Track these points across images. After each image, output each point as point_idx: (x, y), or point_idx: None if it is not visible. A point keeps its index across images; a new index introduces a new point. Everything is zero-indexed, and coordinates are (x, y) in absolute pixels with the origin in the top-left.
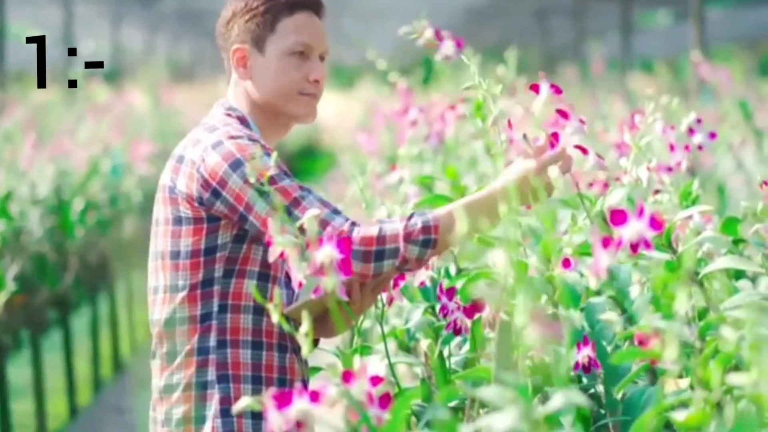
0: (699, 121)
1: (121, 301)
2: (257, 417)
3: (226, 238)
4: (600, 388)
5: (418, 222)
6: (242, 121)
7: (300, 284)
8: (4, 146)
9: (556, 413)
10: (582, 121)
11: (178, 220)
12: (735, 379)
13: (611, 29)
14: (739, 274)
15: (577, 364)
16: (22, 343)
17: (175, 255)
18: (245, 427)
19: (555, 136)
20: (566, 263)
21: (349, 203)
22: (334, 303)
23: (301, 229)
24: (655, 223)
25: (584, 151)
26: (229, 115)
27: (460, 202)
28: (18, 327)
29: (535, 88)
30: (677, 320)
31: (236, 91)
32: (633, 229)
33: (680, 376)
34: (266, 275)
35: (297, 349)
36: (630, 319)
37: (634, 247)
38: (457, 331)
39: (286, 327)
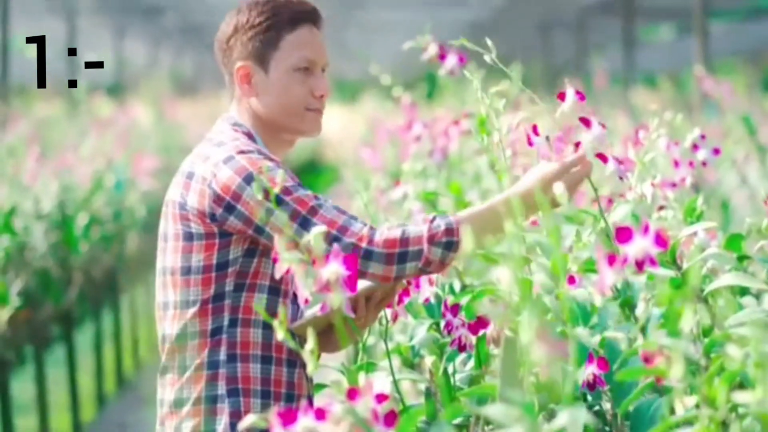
0: (703, 137)
1: (125, 317)
2: None
3: (237, 252)
4: (605, 405)
5: (441, 224)
6: (249, 136)
7: (306, 301)
8: (8, 161)
9: (561, 431)
10: (603, 126)
11: (188, 236)
12: (740, 397)
13: (614, 43)
14: (743, 291)
15: (583, 382)
16: (25, 358)
17: (186, 270)
18: None
19: (579, 145)
20: (571, 280)
21: None
22: (339, 319)
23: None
24: (660, 240)
25: (604, 159)
26: (236, 130)
27: (482, 205)
28: (22, 342)
29: (561, 96)
30: (683, 338)
31: (240, 106)
32: (638, 246)
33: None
34: (276, 289)
35: (305, 365)
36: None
37: (639, 265)
38: (461, 348)
39: (291, 344)
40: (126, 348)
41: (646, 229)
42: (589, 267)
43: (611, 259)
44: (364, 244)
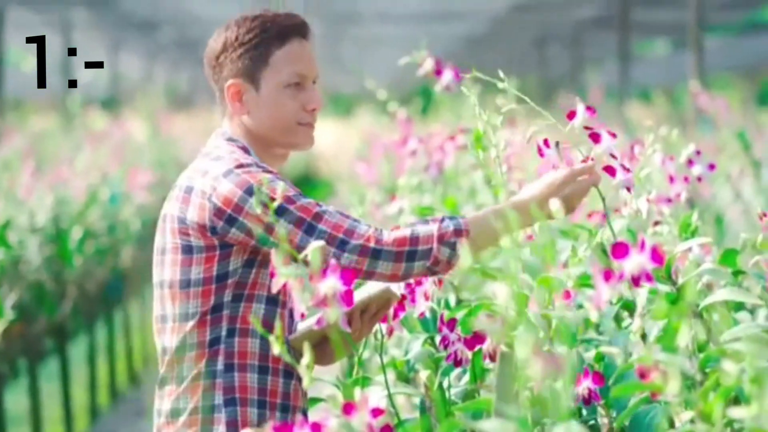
0: (698, 152)
1: (118, 330)
2: None
3: (237, 264)
4: (601, 420)
5: (450, 225)
6: (245, 150)
7: (302, 315)
8: (3, 175)
9: None
10: (613, 135)
11: (188, 249)
12: (735, 412)
13: (609, 58)
14: (738, 306)
15: (579, 396)
16: (19, 371)
17: (186, 284)
18: None
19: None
20: (567, 295)
21: None
22: (336, 332)
23: (327, 238)
24: (656, 256)
25: (612, 173)
26: (231, 144)
27: (490, 208)
28: (15, 356)
29: (571, 115)
30: (679, 353)
31: (232, 122)
32: (634, 262)
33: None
34: (275, 300)
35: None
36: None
37: (635, 280)
38: (457, 363)
39: (287, 358)
40: (119, 361)
41: (642, 245)
42: (585, 282)
43: (607, 275)
44: (372, 244)
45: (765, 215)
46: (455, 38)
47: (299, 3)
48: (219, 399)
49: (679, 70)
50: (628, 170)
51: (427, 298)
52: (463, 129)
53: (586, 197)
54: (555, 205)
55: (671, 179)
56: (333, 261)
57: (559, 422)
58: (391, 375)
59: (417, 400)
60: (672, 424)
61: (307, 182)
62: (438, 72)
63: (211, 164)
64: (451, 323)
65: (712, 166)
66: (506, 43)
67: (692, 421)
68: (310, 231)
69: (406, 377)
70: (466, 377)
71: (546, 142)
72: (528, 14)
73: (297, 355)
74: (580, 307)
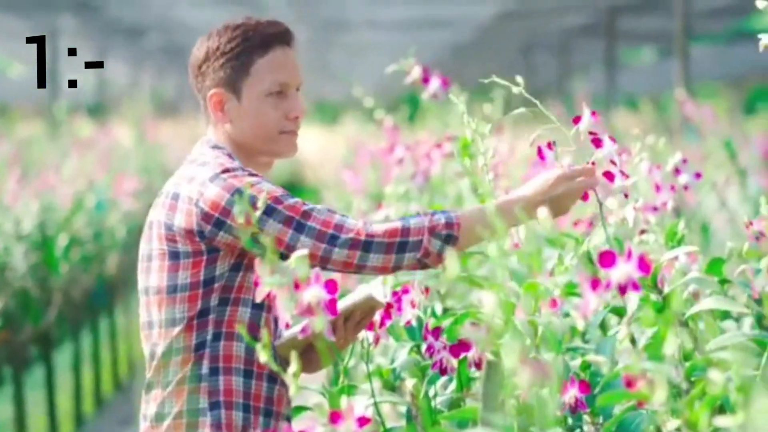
0: (685, 161)
1: (104, 337)
2: None
3: (224, 268)
4: (587, 428)
5: (441, 218)
6: (230, 156)
7: (287, 325)
8: None
9: None
10: (613, 140)
11: (174, 255)
12: (721, 421)
13: (596, 66)
14: (724, 315)
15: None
16: (4, 379)
17: (172, 289)
18: None
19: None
20: (553, 303)
21: None
22: (321, 341)
23: (317, 235)
24: (643, 265)
25: (611, 178)
26: (217, 151)
27: (484, 204)
28: (0, 363)
29: (576, 120)
30: (666, 361)
31: (216, 130)
32: (621, 271)
33: None
34: (260, 304)
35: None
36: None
37: (622, 289)
38: (443, 371)
39: (273, 366)
40: (104, 368)
41: (629, 254)
42: (571, 291)
43: (594, 284)
44: (362, 237)
45: (751, 224)
46: (443, 46)
47: (287, 10)
48: (204, 403)
49: (665, 78)
50: (627, 176)
51: (413, 306)
52: (449, 137)
53: (578, 200)
54: (542, 213)
55: (657, 188)
56: (325, 257)
57: (546, 430)
58: (377, 383)
59: (403, 409)
60: None
61: (293, 190)
62: (425, 80)
63: (197, 170)
64: (436, 331)
65: (698, 175)
66: (493, 50)
67: (678, 429)
68: (300, 229)
69: (392, 386)
70: (453, 386)
71: (549, 145)
72: (515, 22)
73: (282, 361)
74: (567, 315)
